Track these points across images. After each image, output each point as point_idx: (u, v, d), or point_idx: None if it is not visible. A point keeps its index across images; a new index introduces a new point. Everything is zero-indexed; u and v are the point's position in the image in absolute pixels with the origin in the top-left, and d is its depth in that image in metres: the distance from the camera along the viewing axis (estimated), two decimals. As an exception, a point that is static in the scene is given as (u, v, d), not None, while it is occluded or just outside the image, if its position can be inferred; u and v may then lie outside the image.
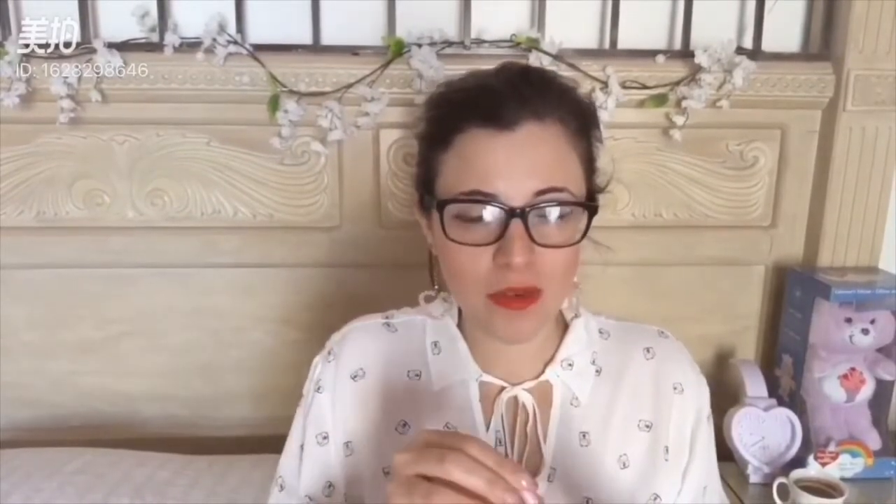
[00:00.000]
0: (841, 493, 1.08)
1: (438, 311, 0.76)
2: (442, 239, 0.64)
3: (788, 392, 1.26)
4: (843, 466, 1.18)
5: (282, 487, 0.76)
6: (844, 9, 1.21)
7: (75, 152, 1.20)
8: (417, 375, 0.74)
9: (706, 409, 0.77)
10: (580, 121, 0.67)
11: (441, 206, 0.63)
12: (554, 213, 0.62)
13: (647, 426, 0.73)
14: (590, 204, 0.65)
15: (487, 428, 0.71)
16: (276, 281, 1.26)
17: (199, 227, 1.24)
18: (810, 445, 1.19)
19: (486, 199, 0.61)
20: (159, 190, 1.23)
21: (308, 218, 1.25)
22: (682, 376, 0.76)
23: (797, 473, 1.12)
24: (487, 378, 0.72)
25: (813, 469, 1.13)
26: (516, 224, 0.61)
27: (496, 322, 0.65)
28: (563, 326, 0.76)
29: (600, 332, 0.77)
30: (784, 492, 1.10)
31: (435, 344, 0.75)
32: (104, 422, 1.30)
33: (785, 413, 1.20)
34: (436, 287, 0.76)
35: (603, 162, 0.71)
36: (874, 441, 1.22)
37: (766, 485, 1.15)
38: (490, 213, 0.62)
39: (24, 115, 1.15)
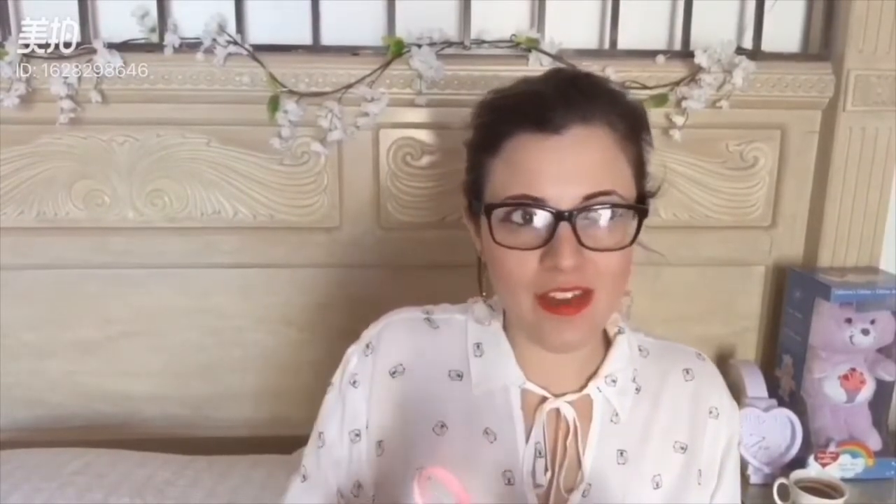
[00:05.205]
0: (841, 494, 1.07)
1: (483, 315, 0.74)
2: (490, 243, 0.64)
3: (789, 392, 1.26)
4: (843, 467, 1.18)
5: (304, 478, 0.75)
6: (844, 9, 1.21)
7: (75, 153, 1.20)
8: (459, 376, 0.72)
9: (737, 435, 0.77)
10: (629, 124, 0.66)
11: (489, 210, 0.63)
12: (603, 216, 0.62)
13: (683, 448, 0.73)
14: (638, 206, 0.65)
15: (528, 438, 0.70)
16: (276, 281, 1.26)
17: (199, 228, 1.24)
18: (810, 446, 1.19)
19: (534, 203, 0.61)
20: (159, 190, 1.23)
21: (308, 218, 1.25)
22: (719, 401, 0.76)
23: (797, 474, 1.11)
24: (530, 386, 0.71)
25: (813, 470, 1.13)
26: (564, 227, 0.60)
27: (544, 329, 0.64)
28: (607, 341, 0.75)
29: (640, 350, 0.76)
30: (784, 492, 1.10)
31: (478, 346, 0.73)
32: (104, 422, 1.30)
33: (785, 413, 1.20)
34: (483, 294, 0.75)
35: (654, 167, 0.70)
36: (874, 441, 1.22)
37: (767, 485, 1.15)
38: (538, 217, 0.62)
39: (24, 116, 1.15)
